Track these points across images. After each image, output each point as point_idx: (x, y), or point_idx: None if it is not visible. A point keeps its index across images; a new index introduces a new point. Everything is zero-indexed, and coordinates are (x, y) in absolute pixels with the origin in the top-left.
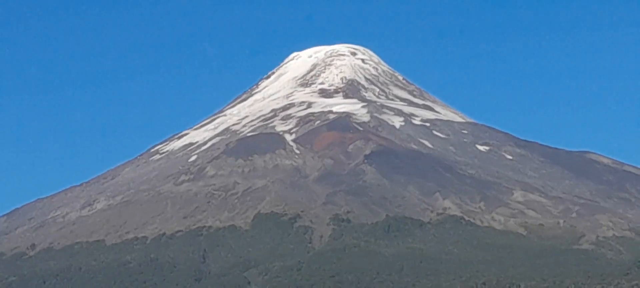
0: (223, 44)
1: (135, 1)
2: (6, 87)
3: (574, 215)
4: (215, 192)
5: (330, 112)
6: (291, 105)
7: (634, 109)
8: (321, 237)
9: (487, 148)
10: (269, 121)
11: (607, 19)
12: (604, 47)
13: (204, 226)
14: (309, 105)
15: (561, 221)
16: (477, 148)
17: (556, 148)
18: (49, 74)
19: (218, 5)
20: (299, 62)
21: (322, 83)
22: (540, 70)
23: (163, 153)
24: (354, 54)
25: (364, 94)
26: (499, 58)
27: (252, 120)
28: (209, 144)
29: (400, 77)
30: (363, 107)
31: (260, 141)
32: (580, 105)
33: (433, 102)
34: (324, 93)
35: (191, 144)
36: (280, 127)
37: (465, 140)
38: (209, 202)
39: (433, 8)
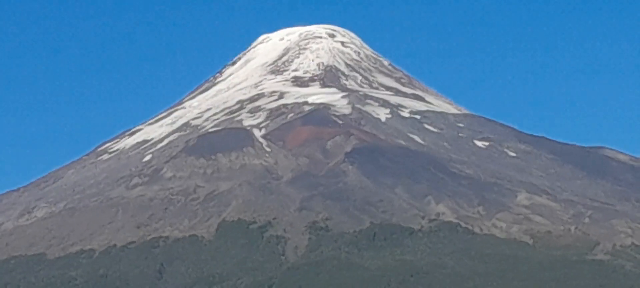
0: (181, 26)
1: None
2: None
3: (587, 220)
4: (173, 197)
5: (306, 103)
6: (260, 95)
7: None
8: (296, 248)
9: (486, 144)
10: (234, 114)
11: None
12: (620, 31)
13: (161, 236)
14: (281, 95)
15: (572, 227)
16: (475, 144)
17: (566, 144)
18: None
19: None
20: (269, 45)
21: (295, 70)
22: (548, 56)
23: (112, 152)
24: (332, 36)
25: (345, 82)
26: (499, 42)
27: (215, 113)
28: (166, 141)
29: (386, 63)
30: (343, 97)
31: (224, 137)
32: (594, 95)
33: (424, 91)
34: (298, 81)
35: (145, 142)
36: (247, 121)
37: (461, 134)
38: (166, 208)
39: None
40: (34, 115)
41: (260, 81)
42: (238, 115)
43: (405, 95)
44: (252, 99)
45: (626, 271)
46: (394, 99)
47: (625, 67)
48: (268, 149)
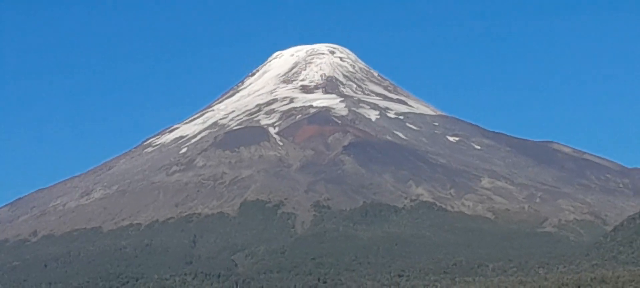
0: (211, 44)
1: (133, 7)
2: (10, 86)
3: (537, 200)
4: (204, 182)
5: (311, 106)
6: (274, 100)
7: (593, 101)
8: (303, 222)
9: (456, 139)
10: (254, 115)
11: (569, 16)
12: (565, 42)
13: (194, 213)
14: (291, 100)
15: (526, 206)
16: (447, 139)
17: (521, 139)
18: (51, 72)
19: (206, 6)
20: (282, 60)
21: (303, 80)
22: (506, 65)
23: (156, 146)
24: (332, 52)
25: (342, 89)
26: (467, 54)
27: (238, 115)
28: (199, 136)
29: (376, 74)
30: (341, 101)
31: (246, 134)
32: (544, 98)
33: (406, 96)
34: (305, 89)
35: (182, 137)
36: (264, 121)
37: (436, 131)
38: (198, 190)
39: (406, 8)
40: (93, 115)
41: (274, 89)
42: (256, 116)
43: (391, 100)
44: (268, 103)
45: (569, 241)
46: (382, 103)
47: (570, 75)
48: (281, 143)
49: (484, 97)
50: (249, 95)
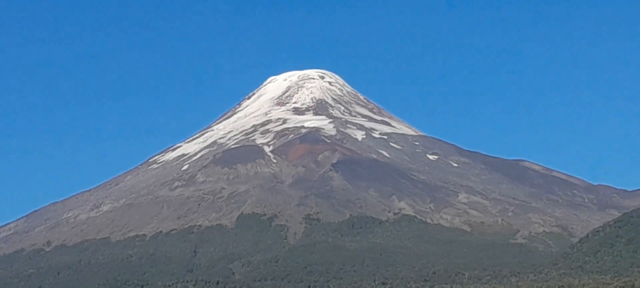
0: (212, 69)
1: (143, 37)
2: (26, 108)
3: (510, 214)
4: (204, 196)
5: (302, 127)
6: (269, 121)
7: (561, 122)
8: (295, 234)
9: (436, 157)
10: (250, 135)
11: (536, 45)
12: (534, 68)
13: (195, 225)
14: (284, 121)
15: (499, 219)
16: (427, 157)
17: (495, 157)
18: (64, 96)
19: (207, 34)
20: (276, 84)
21: (295, 102)
22: (481, 90)
23: (160, 163)
24: (322, 77)
25: (331, 111)
26: (447, 80)
27: (235, 134)
28: (199, 154)
29: (362, 97)
30: (330, 122)
31: (242, 152)
32: (516, 119)
33: (389, 118)
34: (297, 111)
35: (184, 155)
36: (259, 140)
37: (417, 150)
38: (199, 204)
39: (389, 38)
40: (102, 135)
41: (269, 111)
42: (252, 136)
43: (376, 121)
44: (263, 124)
45: (539, 251)
46: (368, 124)
47: (540, 97)
48: (274, 161)
49: (461, 118)
50: (245, 116)
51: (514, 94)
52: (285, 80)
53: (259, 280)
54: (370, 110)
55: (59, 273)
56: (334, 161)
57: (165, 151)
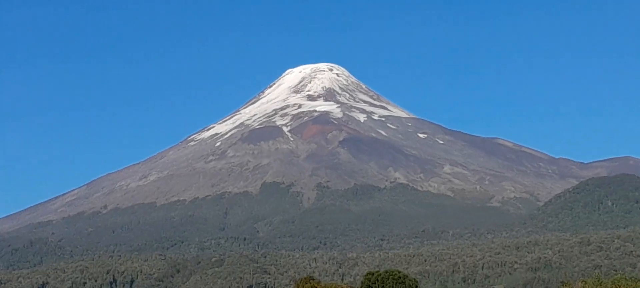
0: (239, 62)
1: (180, 33)
2: (89, 98)
3: (486, 182)
4: (233, 168)
5: (315, 111)
6: (287, 106)
7: (529, 105)
8: (308, 199)
9: (425, 135)
10: (271, 117)
11: (512, 40)
12: (508, 59)
13: (226, 192)
14: (300, 106)
15: (477, 187)
16: (418, 135)
17: (474, 135)
18: (122, 85)
19: (235, 33)
20: (292, 76)
21: (308, 91)
22: (464, 78)
23: (196, 140)
24: (331, 69)
25: (338, 98)
26: (435, 70)
27: (259, 117)
28: (229, 133)
29: (364, 86)
30: (337, 107)
31: (265, 132)
32: (492, 104)
33: (387, 103)
34: (310, 97)
35: (216, 134)
36: (279, 122)
37: (409, 130)
38: (229, 175)
39: (387, 34)
40: (150, 118)
41: (287, 97)
42: (273, 118)
43: (375, 106)
44: (282, 108)
45: (510, 213)
46: (369, 108)
47: (513, 83)
48: (291, 139)
49: (446, 103)
50: (267, 102)
51: (491, 82)
52: (300, 72)
53: (279, 237)
54: (371, 97)
55: (113, 232)
56: (341, 139)
57: (201, 131)
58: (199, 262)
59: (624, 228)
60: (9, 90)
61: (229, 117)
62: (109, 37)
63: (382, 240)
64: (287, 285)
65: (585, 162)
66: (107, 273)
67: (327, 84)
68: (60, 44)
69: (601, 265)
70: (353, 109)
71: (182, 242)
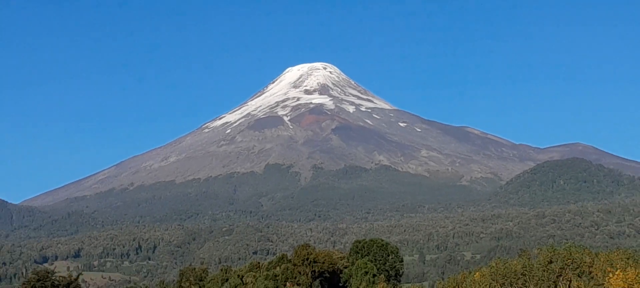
0: (246, 61)
1: (204, 32)
2: (110, 89)
3: (457, 164)
4: (241, 151)
5: (311, 103)
6: (287, 99)
7: (495, 98)
8: (305, 178)
9: (405, 124)
10: (273, 108)
11: (481, 37)
12: (478, 56)
13: (235, 172)
14: (298, 99)
15: (449, 168)
16: (399, 124)
17: (446, 124)
18: (145, 80)
19: (244, 36)
20: (292, 73)
21: (306, 86)
22: (438, 75)
23: (210, 128)
24: (325, 68)
25: (331, 92)
26: (413, 68)
27: (263, 108)
28: (238, 122)
29: (353, 82)
30: (330, 100)
31: (268, 121)
32: (462, 97)
33: (372, 96)
34: (307, 92)
35: (227, 123)
36: (281, 112)
37: (392, 119)
38: (237, 157)
39: (373, 38)
40: (169, 109)
41: (287, 91)
42: (275, 109)
43: (362, 99)
44: (284, 101)
45: (477, 190)
46: (357, 101)
47: (481, 78)
48: (291, 127)
49: (423, 96)
50: (270, 95)
51: (461, 77)
52: (299, 70)
53: (280, 211)
54: (359, 91)
55: (138, 205)
56: (333, 127)
57: (214, 119)
58: (212, 231)
59: (574, 204)
60: (50, 90)
61: (237, 108)
62: (145, 49)
63: (367, 213)
64: (287, 251)
65: (542, 147)
66: (133, 240)
67: (322, 80)
68: (100, 48)
69: (554, 235)
70: (344, 102)
71: (197, 214)
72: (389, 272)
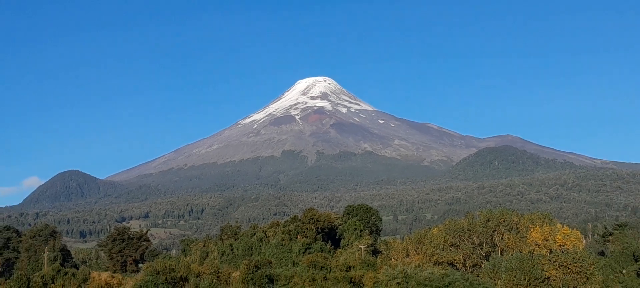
0: (269, 74)
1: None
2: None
3: (420, 150)
4: (264, 141)
5: (315, 106)
6: (298, 103)
7: (449, 99)
8: (311, 160)
9: (383, 121)
10: (288, 110)
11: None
12: (441, 62)
13: (260, 156)
14: (305, 103)
15: (415, 153)
16: (378, 121)
17: (413, 121)
18: (202, 81)
19: (270, 58)
20: (301, 84)
21: (312, 94)
22: (407, 83)
23: (241, 124)
24: (325, 80)
25: (330, 98)
26: (389, 78)
27: (280, 110)
28: (262, 120)
29: (345, 91)
30: (329, 104)
31: (284, 119)
32: (425, 100)
33: (359, 101)
34: (313, 98)
35: (254, 120)
36: (293, 113)
37: (373, 117)
38: (262, 145)
39: (361, 57)
40: (214, 110)
41: (298, 98)
42: (289, 110)
43: (352, 103)
44: (295, 104)
45: (436, 169)
46: (348, 104)
47: (442, 82)
48: (301, 123)
49: (396, 100)
50: (286, 100)
51: (424, 84)
52: (306, 81)
53: (293, 184)
54: (350, 97)
55: (190, 180)
56: (331, 123)
57: (244, 118)
58: (243, 199)
59: (505, 179)
60: (129, 90)
61: (262, 109)
62: (200, 69)
63: (356, 185)
64: (297, 213)
65: (482, 138)
66: (187, 205)
67: (323, 90)
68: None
69: (491, 202)
70: (339, 105)
71: (233, 187)
72: (371, 229)
